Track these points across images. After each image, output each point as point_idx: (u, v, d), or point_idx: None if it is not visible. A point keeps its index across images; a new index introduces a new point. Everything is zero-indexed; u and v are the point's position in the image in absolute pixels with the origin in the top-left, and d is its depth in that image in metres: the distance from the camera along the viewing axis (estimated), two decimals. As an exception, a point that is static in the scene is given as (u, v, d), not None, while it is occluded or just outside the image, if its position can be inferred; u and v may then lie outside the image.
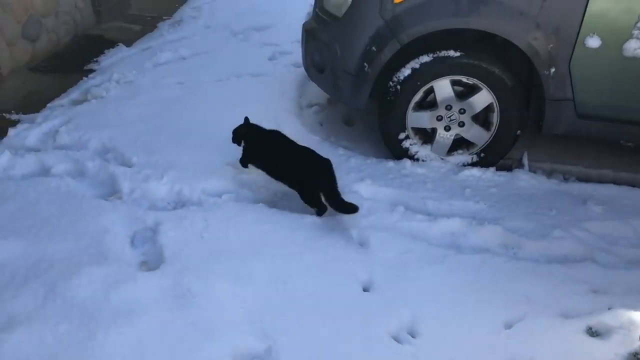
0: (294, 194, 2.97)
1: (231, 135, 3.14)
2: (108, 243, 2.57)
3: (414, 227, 2.84)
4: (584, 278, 2.58)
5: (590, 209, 3.07)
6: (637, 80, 3.09)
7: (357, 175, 3.21)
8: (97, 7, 5.43)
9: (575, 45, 3.04)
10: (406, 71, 3.27)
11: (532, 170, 3.48)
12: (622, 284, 2.55)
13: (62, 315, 2.18)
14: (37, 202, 2.80)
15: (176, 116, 3.70)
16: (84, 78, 4.39)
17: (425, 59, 3.23)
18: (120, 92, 4.07)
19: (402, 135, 3.42)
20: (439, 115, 3.35)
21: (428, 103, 3.38)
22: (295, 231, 2.71)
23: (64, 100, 4.03)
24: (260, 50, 4.85)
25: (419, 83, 3.27)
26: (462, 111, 3.32)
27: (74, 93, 4.13)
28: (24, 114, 3.86)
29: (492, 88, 3.24)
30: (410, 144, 3.43)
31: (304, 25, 3.80)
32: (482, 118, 3.40)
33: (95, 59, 4.78)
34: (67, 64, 4.73)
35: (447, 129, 3.38)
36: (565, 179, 3.48)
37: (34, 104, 4.00)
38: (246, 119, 3.15)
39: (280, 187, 3.06)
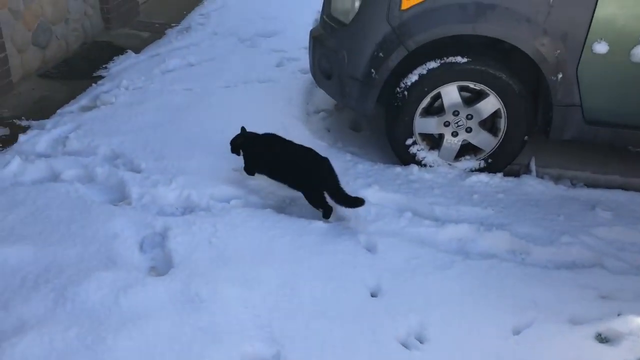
0: (301, 199, 2.98)
1: (230, 147, 3.17)
2: (117, 248, 2.59)
3: (422, 233, 2.84)
4: (592, 284, 2.57)
5: (598, 214, 3.07)
6: (645, 86, 3.09)
7: (365, 181, 3.22)
8: (106, 14, 5.47)
9: (582, 51, 3.05)
10: (413, 77, 3.27)
11: (540, 175, 3.48)
12: (631, 290, 2.54)
13: (72, 319, 2.20)
14: (47, 207, 2.82)
15: (184, 122, 3.72)
16: (93, 84, 4.42)
17: (432, 65, 3.24)
18: (129, 98, 4.09)
19: (409, 141, 3.42)
20: (446, 121, 3.35)
21: (435, 109, 3.39)
22: (303, 236, 2.72)
23: (73, 106, 4.06)
24: (267, 57, 4.88)
25: (426, 89, 3.28)
26: (469, 117, 3.33)
27: (84, 99, 4.15)
28: (34, 120, 3.89)
29: (500, 94, 3.24)
30: (418, 150, 3.44)
31: (311, 31, 3.82)
32: (489, 124, 3.40)
33: (104, 66, 4.81)
34: (76, 70, 4.77)
35: (455, 134, 3.38)
36: (573, 185, 3.47)
37: (44, 110, 4.04)
38: (242, 128, 3.17)
39: (288, 192, 3.08)
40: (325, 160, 2.94)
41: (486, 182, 3.30)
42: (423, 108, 3.35)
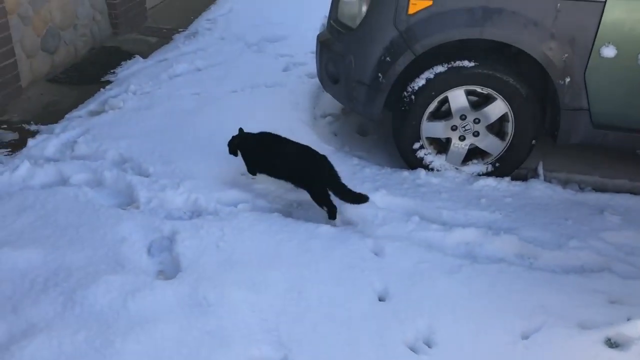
0: (308, 203, 2.98)
1: (227, 148, 3.19)
2: (125, 252, 2.60)
3: (430, 237, 2.84)
4: (601, 288, 2.55)
5: (607, 219, 3.05)
6: (654, 90, 3.08)
7: (372, 185, 3.22)
8: (114, 19, 5.50)
9: (590, 55, 3.04)
10: (420, 81, 3.28)
11: (548, 180, 3.47)
12: (641, 295, 2.52)
13: (81, 323, 2.20)
14: (56, 211, 2.84)
15: (192, 127, 3.74)
16: (102, 89, 4.44)
17: (439, 69, 3.24)
18: (137, 103, 4.11)
19: (416, 145, 3.42)
20: (454, 125, 3.35)
21: (442, 113, 3.38)
22: (310, 240, 2.72)
23: (81, 111, 4.08)
24: (274, 62, 4.89)
25: (433, 93, 3.28)
26: (476, 121, 3.32)
27: (92, 104, 4.18)
28: (42, 124, 3.91)
29: (507, 98, 3.24)
30: (425, 154, 3.44)
31: (318, 36, 3.83)
32: (496, 128, 3.40)
33: (112, 71, 4.84)
34: (85, 75, 4.79)
35: (462, 138, 3.38)
36: (581, 189, 3.46)
37: (53, 115, 4.07)
38: (240, 129, 3.19)
39: (295, 196, 3.08)
40: (323, 157, 2.97)
41: (494, 186, 3.30)
42: (430, 112, 3.35)
